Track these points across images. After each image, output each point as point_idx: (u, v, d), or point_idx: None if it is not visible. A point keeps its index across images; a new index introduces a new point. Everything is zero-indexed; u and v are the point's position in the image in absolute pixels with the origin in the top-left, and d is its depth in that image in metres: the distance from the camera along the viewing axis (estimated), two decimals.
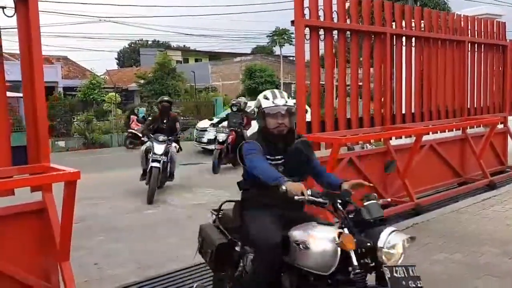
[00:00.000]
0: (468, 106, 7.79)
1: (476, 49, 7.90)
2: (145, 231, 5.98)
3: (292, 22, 5.35)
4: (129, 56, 53.46)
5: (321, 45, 5.61)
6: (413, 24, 6.72)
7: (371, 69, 6.35)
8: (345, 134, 5.82)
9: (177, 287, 4.08)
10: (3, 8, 3.28)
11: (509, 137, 8.37)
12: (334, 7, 5.66)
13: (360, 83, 6.31)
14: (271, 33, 35.10)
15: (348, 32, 5.94)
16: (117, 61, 55.17)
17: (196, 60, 45.14)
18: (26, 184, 3.13)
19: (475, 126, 7.81)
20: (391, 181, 6.37)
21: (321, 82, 5.71)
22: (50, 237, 3.45)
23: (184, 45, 51.13)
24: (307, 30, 5.41)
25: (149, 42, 52.57)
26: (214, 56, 44.34)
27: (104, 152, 17.71)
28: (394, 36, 6.47)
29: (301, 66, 5.40)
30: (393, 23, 6.48)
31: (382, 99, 6.36)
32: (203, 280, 4.11)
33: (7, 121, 3.41)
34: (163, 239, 5.57)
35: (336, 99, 6.06)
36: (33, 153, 3.52)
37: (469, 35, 7.63)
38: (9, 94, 3.81)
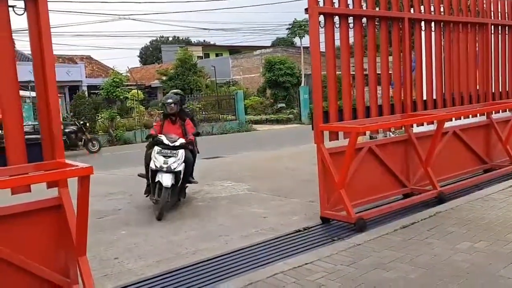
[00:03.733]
0: (493, 91, 7.54)
1: (500, 32, 7.62)
2: (166, 225, 6.02)
3: (306, 9, 5.25)
4: (151, 53, 54.05)
5: (337, 35, 5.51)
6: (432, 8, 6.52)
7: (390, 56, 6.20)
8: (364, 122, 5.71)
9: (195, 280, 4.08)
10: (12, 7, 3.31)
11: None
12: None
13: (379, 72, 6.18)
14: (290, 25, 34.81)
15: (364, 19, 5.80)
16: (139, 58, 55.84)
17: (217, 55, 45.30)
18: (40, 180, 3.17)
19: (500, 111, 7.56)
20: (414, 170, 6.23)
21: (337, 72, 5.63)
22: (67, 232, 3.50)
23: (204, 40, 51.38)
24: (321, 18, 5.32)
25: (170, 39, 52.96)
26: (234, 50, 44.39)
27: (128, 148, 17.99)
28: (413, 21, 6.30)
29: (316, 55, 5.30)
30: (411, 8, 6.31)
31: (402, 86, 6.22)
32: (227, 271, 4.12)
33: (21, 119, 3.45)
34: (183, 233, 5.59)
35: (353, 87, 5.94)
36: (47, 150, 3.56)
37: (492, 17, 7.37)
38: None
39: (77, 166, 3.21)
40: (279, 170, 9.63)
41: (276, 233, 5.24)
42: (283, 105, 31.10)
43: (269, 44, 48.00)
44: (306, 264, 4.14)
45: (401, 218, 5.35)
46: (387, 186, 5.96)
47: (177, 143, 6.45)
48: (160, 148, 6.39)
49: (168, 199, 6.25)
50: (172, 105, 6.78)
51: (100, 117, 20.71)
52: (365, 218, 5.18)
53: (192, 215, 6.42)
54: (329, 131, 5.49)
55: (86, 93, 25.26)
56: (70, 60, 34.40)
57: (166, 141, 6.44)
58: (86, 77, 30.67)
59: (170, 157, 6.32)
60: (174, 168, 6.28)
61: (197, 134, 7.01)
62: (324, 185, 5.33)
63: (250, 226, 5.63)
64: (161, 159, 6.30)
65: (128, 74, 28.89)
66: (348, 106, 5.69)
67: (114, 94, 22.47)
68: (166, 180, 6.22)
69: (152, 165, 6.32)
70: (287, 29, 35.86)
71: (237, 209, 6.60)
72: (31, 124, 17.38)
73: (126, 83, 25.20)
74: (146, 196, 6.78)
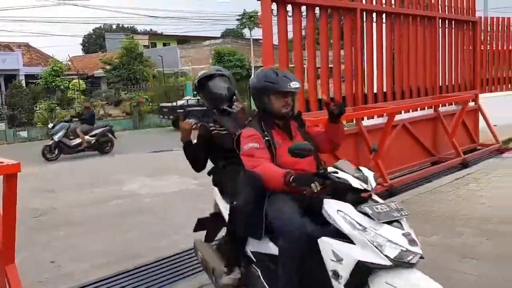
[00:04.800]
0: (440, 84, 7.67)
1: (447, 26, 7.75)
2: (109, 224, 5.65)
3: None
4: (94, 42, 51.93)
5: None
6: (383, 0, 6.50)
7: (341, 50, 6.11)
8: (317, 115, 5.58)
9: (140, 284, 3.78)
10: None
11: (480, 114, 8.31)
12: None
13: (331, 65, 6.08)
14: (240, 16, 34.52)
15: (317, 9, 5.66)
16: (82, 47, 53.54)
17: (164, 44, 44.16)
18: None
19: (447, 104, 7.72)
20: (365, 163, 6.17)
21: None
22: None
23: (151, 29, 49.99)
24: (274, 6, 5.12)
25: (114, 27, 51.11)
26: (182, 40, 43.44)
27: None
28: (365, 12, 6.24)
29: (268, 43, 5.09)
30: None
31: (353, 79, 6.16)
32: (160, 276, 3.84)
33: None
34: (126, 233, 5.25)
35: (305, 80, 5.80)
36: None
37: (440, 11, 7.47)
38: None
39: (2, 162, 2.81)
40: None
41: None
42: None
43: (218, 35, 47.45)
44: None
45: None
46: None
47: (373, 183, 2.48)
48: (366, 204, 2.37)
49: None
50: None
51: (38, 108, 19.52)
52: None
53: (139, 213, 6.08)
54: None
55: (24, 82, 23.74)
56: (6, 47, 32.20)
57: (357, 184, 2.43)
58: (23, 65, 28.83)
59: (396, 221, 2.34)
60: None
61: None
62: None
63: None
64: (394, 232, 2.28)
65: (69, 63, 27.49)
66: (300, 100, 5.53)
67: (53, 83, 21.21)
68: None
69: (360, 254, 2.24)
70: (236, 19, 35.55)
71: (189, 204, 6.32)
72: (195, 98, 18.69)
73: (67, 72, 23.90)
74: None
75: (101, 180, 8.38)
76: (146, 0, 48.36)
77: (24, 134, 18.03)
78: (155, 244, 4.71)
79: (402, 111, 6.79)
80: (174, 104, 19.57)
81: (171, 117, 19.10)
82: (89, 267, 4.22)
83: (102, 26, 51.06)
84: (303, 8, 5.45)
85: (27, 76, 26.92)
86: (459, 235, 4.33)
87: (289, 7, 5.28)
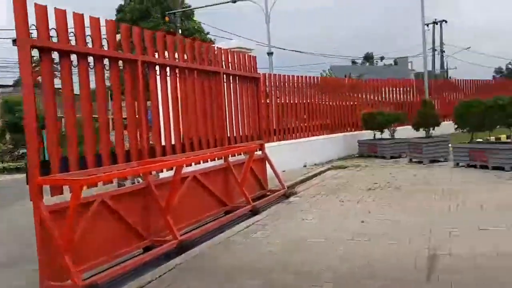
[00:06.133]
0: (228, 135, 7.93)
1: (231, 81, 8.15)
2: None
3: (14, 41, 4.40)
4: None
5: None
6: (166, 54, 6.48)
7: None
8: (94, 172, 5.05)
9: None
10: None
11: (267, 162, 8.84)
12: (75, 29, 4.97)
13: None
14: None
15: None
16: None
17: None
18: None
19: (236, 154, 7.99)
20: (154, 220, 5.84)
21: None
22: None
23: None
24: (35, 52, 4.55)
25: None
26: None
27: None
28: (147, 65, 6.08)
29: (29, 92, 4.43)
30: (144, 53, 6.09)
31: (138, 132, 5.86)
32: None
33: None
34: None
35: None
36: None
37: (224, 67, 7.82)
38: None
39: None
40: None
41: None
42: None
43: (11, 83, 42.57)
44: None
45: (139, 276, 4.81)
46: (125, 242, 5.38)
47: None
48: None
49: None
50: None
51: None
52: (98, 283, 4.46)
53: None
54: (50, 185, 4.63)
55: None
56: None
57: None
58: None
59: None
60: None
61: None
62: (44, 252, 4.40)
63: None
64: None
65: None
66: (74, 154, 4.95)
67: None
68: None
69: None
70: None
71: None
72: None
73: None
74: None
75: None
76: None
77: None
78: None
79: (193, 163, 6.73)
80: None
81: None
82: None
83: None
84: (74, 57, 4.99)
85: None
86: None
87: (55, 55, 4.77)
